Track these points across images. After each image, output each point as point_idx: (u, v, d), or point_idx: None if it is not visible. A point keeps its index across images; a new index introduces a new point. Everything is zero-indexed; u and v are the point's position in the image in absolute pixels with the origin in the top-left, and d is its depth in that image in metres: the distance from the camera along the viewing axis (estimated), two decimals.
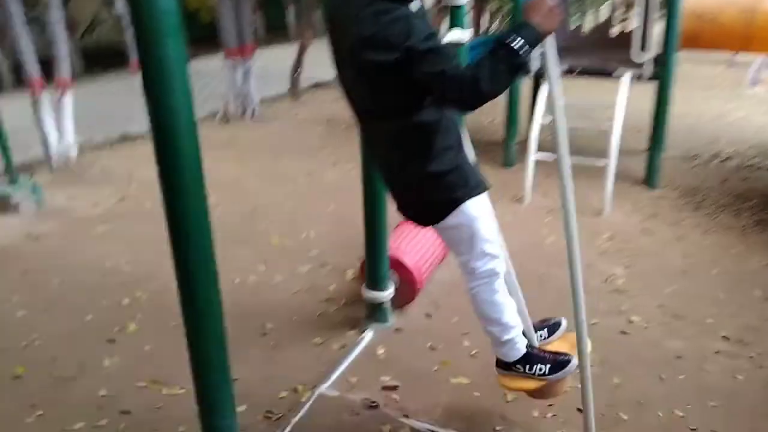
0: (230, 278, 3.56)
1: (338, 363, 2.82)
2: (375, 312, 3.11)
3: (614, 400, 2.62)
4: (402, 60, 1.77)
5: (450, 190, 2.01)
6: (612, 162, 4.60)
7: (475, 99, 1.71)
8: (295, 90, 8.70)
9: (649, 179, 5.14)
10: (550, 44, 1.79)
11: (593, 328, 3.14)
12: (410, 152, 1.97)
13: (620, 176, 5.28)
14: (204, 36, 13.63)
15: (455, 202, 2.02)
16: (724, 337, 3.08)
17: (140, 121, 7.57)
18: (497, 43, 1.69)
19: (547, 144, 6.34)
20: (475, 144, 2.23)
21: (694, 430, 2.47)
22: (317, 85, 9.82)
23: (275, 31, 16.17)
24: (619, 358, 2.90)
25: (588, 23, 6.39)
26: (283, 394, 2.66)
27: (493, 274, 2.13)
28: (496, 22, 11.81)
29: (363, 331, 3.06)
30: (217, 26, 7.40)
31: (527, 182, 4.78)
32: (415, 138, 1.96)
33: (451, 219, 2.05)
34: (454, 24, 3.68)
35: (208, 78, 10.31)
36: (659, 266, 3.81)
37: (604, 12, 6.10)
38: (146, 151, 1.62)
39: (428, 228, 3.54)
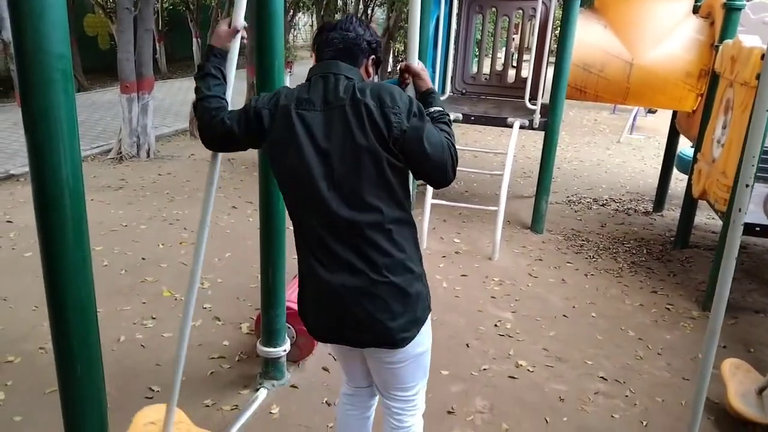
0: (115, 336, 3.37)
1: (229, 426, 2.72)
2: (270, 368, 3.03)
3: None
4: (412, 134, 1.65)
5: (427, 297, 1.75)
6: (501, 208, 4.82)
7: (456, 166, 1.72)
8: (195, 126, 8.48)
9: (535, 224, 5.40)
10: None
11: (484, 374, 3.27)
12: (402, 249, 1.71)
13: (510, 220, 5.58)
14: (102, 64, 13.03)
15: (429, 310, 1.77)
16: (602, 377, 3.30)
17: (25, 158, 7.11)
18: (432, 119, 1.76)
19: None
20: None
21: None
22: None
23: (179, 63, 15.75)
24: (508, 404, 3.02)
25: (486, 68, 6.70)
26: None
27: None
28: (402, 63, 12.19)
29: (257, 390, 2.97)
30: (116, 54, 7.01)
31: (424, 227, 4.92)
32: (407, 231, 1.75)
33: (423, 335, 1.76)
34: None
35: (103, 110, 9.82)
36: (544, 310, 4.03)
37: (500, 57, 6.48)
38: (30, 194, 1.53)
39: None
